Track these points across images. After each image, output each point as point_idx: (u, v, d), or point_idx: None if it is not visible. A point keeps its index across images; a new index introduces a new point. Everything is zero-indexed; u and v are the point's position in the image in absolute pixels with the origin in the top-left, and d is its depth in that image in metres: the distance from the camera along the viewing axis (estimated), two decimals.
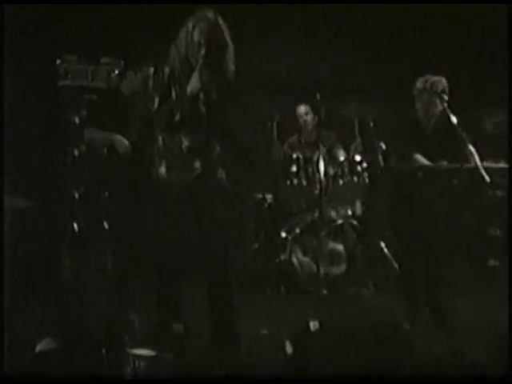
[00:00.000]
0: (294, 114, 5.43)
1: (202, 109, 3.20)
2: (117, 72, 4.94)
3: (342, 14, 5.46)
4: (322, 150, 4.65)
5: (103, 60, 5.14)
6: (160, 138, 3.20)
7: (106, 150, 4.08)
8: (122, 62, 4.93)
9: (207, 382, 2.80)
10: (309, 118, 5.35)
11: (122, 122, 4.03)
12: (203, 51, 3.10)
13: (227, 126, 3.31)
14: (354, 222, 4.92)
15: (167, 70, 3.22)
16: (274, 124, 5.20)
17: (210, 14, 3.17)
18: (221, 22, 3.17)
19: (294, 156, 4.95)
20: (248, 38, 4.92)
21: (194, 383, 2.79)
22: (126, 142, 4.01)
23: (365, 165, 4.89)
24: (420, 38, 5.71)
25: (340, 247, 4.84)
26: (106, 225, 3.97)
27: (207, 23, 3.14)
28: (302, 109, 5.39)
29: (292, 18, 5.59)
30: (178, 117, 3.14)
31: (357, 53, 5.85)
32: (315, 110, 5.11)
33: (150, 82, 3.92)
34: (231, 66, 3.23)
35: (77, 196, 4.23)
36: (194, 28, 3.15)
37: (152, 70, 3.97)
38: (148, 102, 3.29)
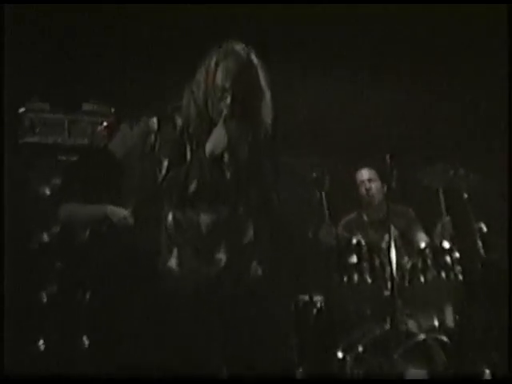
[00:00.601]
0: (353, 181, 5.55)
1: (227, 175, 3.31)
2: (105, 124, 5.14)
3: (423, 42, 5.59)
4: (394, 232, 4.71)
5: (86, 107, 5.37)
6: (170, 217, 3.29)
7: (87, 232, 4.15)
8: (113, 111, 5.14)
9: None
10: (374, 186, 5.47)
11: (113, 195, 4.10)
12: (229, 99, 3.22)
13: (261, 199, 3.37)
14: (443, 338, 4.90)
15: (179, 121, 3.36)
16: (324, 195, 5.29)
17: (240, 48, 3.31)
18: (255, 59, 3.30)
19: (354, 241, 4.98)
20: (288, 78, 5.01)
21: None
22: (126, 212, 4.04)
23: (457, 254, 4.90)
24: None
25: (423, 374, 4.82)
26: (85, 341, 4.00)
27: (236, 60, 3.28)
28: (365, 174, 5.52)
29: (348, 49, 5.72)
30: (194, 186, 3.24)
31: (440, 95, 5.96)
32: (383, 176, 5.20)
33: (153, 139, 4.07)
34: (267, 119, 3.35)
35: (45, 299, 4.31)
36: (217, 66, 3.28)
37: (155, 121, 4.14)
38: (152, 166, 3.40)
